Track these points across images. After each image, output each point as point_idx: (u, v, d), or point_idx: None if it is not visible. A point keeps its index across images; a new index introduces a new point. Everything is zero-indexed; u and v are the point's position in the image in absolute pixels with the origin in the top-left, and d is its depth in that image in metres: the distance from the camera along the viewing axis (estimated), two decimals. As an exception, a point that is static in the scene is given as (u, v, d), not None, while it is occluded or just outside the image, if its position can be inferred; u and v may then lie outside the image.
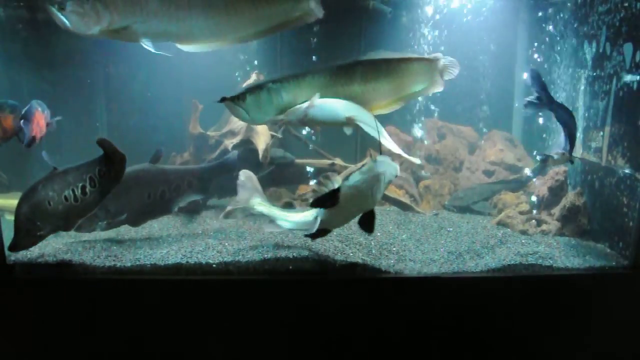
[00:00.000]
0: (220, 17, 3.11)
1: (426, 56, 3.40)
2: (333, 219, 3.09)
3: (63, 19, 2.98)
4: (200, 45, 3.22)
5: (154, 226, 4.09)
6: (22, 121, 3.59)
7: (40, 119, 3.75)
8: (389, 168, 2.81)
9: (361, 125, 3.17)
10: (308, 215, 3.26)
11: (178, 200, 3.82)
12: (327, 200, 2.94)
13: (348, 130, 3.33)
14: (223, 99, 3.11)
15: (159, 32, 3.10)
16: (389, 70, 3.34)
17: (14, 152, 4.58)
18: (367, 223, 2.98)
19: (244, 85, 4.92)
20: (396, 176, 2.91)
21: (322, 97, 3.19)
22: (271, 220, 3.47)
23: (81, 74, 5.26)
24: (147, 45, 3.09)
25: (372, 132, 3.15)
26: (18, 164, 4.83)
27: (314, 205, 3.01)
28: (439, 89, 3.41)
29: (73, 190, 3.14)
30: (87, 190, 3.15)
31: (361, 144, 5.44)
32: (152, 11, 3.04)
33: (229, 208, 3.84)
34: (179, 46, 3.19)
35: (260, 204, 3.56)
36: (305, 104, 3.17)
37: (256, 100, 3.11)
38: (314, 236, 3.14)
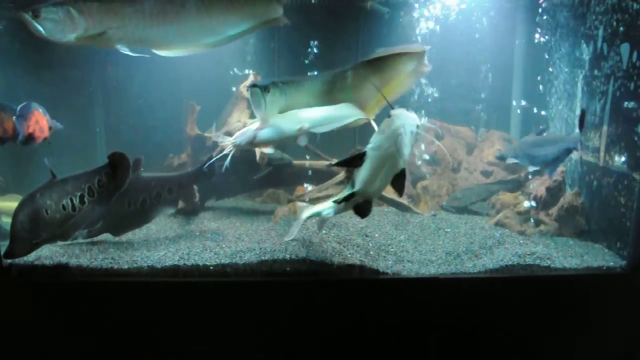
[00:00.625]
0: (193, 22, 3.17)
1: (413, 48, 3.46)
2: (367, 186, 2.98)
3: (37, 26, 2.98)
4: (175, 50, 3.26)
5: (151, 228, 4.08)
6: (15, 118, 3.55)
7: (41, 119, 3.72)
8: (406, 120, 2.71)
9: (316, 130, 3.23)
10: (344, 192, 3.22)
11: (159, 209, 3.77)
12: (352, 161, 2.94)
13: (302, 141, 3.37)
14: (253, 86, 3.17)
15: (135, 38, 3.13)
16: (380, 68, 3.36)
17: (13, 154, 4.58)
18: (399, 184, 2.89)
19: (242, 85, 4.92)
20: (418, 126, 2.78)
21: (318, 103, 3.25)
22: (319, 218, 3.51)
23: (80, 75, 5.25)
24: (124, 50, 3.11)
25: (331, 127, 3.28)
26: (16, 166, 4.82)
27: (340, 164, 3.08)
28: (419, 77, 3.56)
29: (71, 200, 3.13)
30: (86, 199, 3.14)
31: (359, 144, 5.44)
32: (127, 17, 3.06)
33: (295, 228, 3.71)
34: (155, 51, 3.22)
35: (307, 210, 3.58)
36: (254, 126, 3.24)
37: (274, 95, 3.18)
38: (346, 200, 3.09)
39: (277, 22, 3.35)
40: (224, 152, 3.37)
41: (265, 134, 3.22)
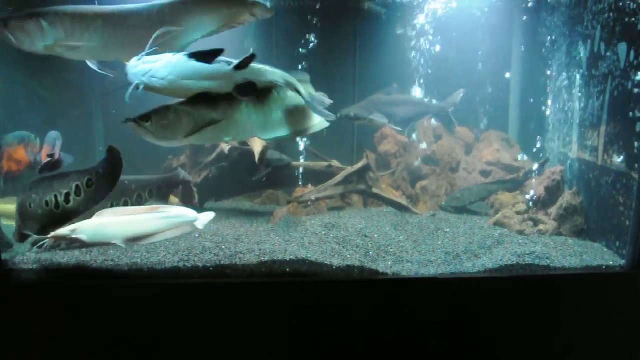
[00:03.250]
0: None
1: None
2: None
3: (8, 35, 3.05)
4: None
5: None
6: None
7: (15, 153, 3.75)
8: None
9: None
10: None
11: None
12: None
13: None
14: (127, 120, 3.04)
15: (106, 50, 3.19)
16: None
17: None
18: None
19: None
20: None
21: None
22: None
23: (78, 76, 5.24)
24: (92, 65, 3.13)
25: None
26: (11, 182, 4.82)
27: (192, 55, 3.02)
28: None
29: (56, 197, 3.07)
30: (71, 198, 3.09)
31: (358, 146, 5.45)
32: (98, 30, 3.08)
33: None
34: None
35: None
36: (71, 227, 3.00)
37: (162, 121, 3.02)
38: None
39: (256, 16, 3.37)
40: None
41: (82, 234, 2.95)
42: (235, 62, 3.13)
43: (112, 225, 2.99)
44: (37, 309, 3.11)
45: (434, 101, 4.89)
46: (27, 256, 3.40)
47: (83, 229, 2.95)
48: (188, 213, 3.10)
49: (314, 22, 5.25)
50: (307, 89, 3.47)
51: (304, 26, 5.26)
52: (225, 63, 3.13)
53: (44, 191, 3.08)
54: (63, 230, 2.96)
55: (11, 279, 3.18)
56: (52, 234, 2.96)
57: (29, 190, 3.09)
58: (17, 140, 3.79)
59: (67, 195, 3.09)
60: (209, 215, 3.17)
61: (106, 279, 3.16)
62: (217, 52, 3.05)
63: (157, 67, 2.99)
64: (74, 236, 2.94)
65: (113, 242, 2.96)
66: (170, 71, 2.99)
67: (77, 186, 3.10)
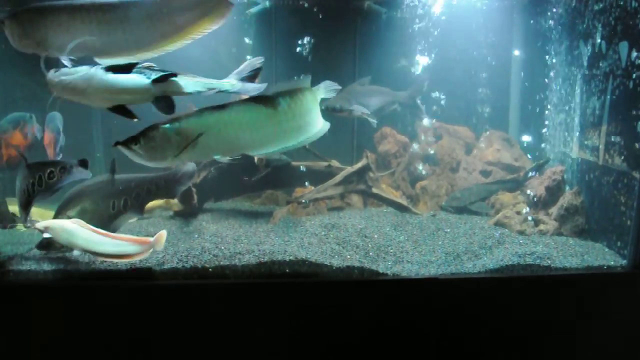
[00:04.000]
0: (139, 32, 3.22)
1: None
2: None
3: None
4: (119, 57, 3.28)
5: (149, 230, 4.07)
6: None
7: (13, 137, 3.73)
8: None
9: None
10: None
11: (139, 208, 3.77)
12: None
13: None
14: (116, 144, 3.07)
15: (77, 47, 3.18)
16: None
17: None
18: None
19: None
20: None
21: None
22: None
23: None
24: (64, 60, 3.16)
25: None
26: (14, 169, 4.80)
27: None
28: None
29: (27, 185, 3.24)
30: (35, 188, 3.26)
31: (357, 146, 5.44)
32: (70, 28, 3.13)
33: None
34: (98, 60, 3.24)
35: None
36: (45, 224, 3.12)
37: (150, 143, 3.04)
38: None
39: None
40: None
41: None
42: (155, 75, 3.13)
43: (78, 234, 3.13)
44: (36, 309, 3.10)
45: (400, 92, 4.91)
46: (25, 257, 3.39)
47: (54, 227, 3.13)
48: (138, 242, 3.17)
49: (314, 22, 5.24)
50: (307, 95, 3.43)
51: (304, 25, 5.25)
52: (145, 76, 3.14)
53: (20, 179, 3.27)
54: (39, 224, 3.15)
55: (10, 280, 3.17)
56: (35, 225, 3.16)
57: (17, 177, 3.28)
58: (12, 124, 3.77)
59: (32, 184, 3.26)
60: (163, 235, 3.18)
61: (105, 280, 3.14)
62: (131, 66, 3.09)
63: (74, 79, 3.05)
64: (44, 234, 3.14)
65: (74, 248, 3.17)
66: (89, 84, 3.04)
67: (39, 177, 3.27)
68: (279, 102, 3.25)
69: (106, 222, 3.61)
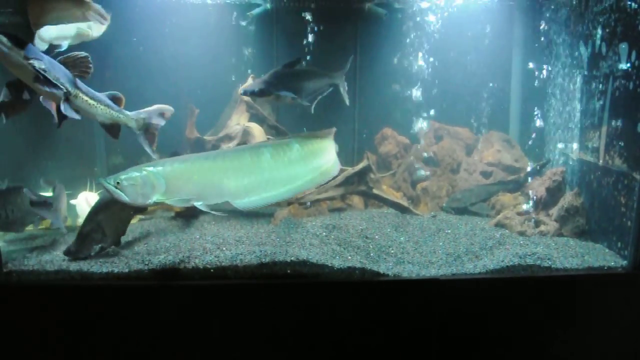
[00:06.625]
0: None
1: None
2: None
3: None
4: None
5: (151, 231, 4.08)
6: None
7: None
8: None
9: None
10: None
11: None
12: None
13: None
14: (99, 181, 3.09)
15: None
16: None
17: (14, 157, 4.58)
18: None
19: (239, 90, 4.89)
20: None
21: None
22: None
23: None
24: None
25: None
26: (16, 169, 4.81)
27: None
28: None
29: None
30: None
31: (358, 147, 5.45)
32: None
33: None
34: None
35: None
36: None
37: (133, 184, 3.03)
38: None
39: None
40: None
41: None
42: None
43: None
44: (37, 310, 3.10)
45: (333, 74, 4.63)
46: (27, 258, 3.40)
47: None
48: None
49: (315, 24, 5.25)
50: (294, 147, 3.37)
51: (305, 28, 5.26)
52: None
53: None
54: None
55: (11, 281, 3.18)
56: None
57: None
58: None
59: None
60: None
61: (106, 281, 3.15)
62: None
63: None
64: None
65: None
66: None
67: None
68: (262, 152, 3.26)
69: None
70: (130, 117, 3.45)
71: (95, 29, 3.79)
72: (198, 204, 3.10)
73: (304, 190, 3.60)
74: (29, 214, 3.87)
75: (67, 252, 3.37)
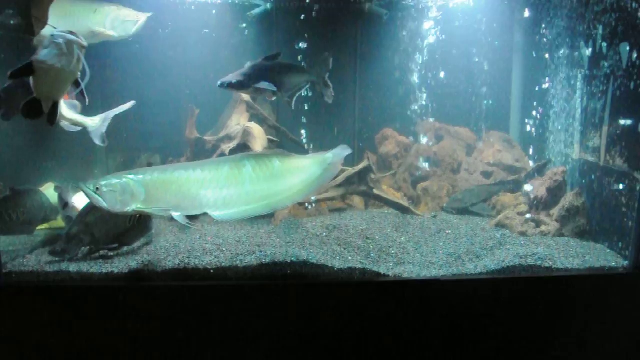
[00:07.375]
0: None
1: None
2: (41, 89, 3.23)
3: None
4: None
5: (151, 232, 4.07)
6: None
7: None
8: (67, 36, 3.03)
9: None
10: None
11: (149, 222, 3.75)
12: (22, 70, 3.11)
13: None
14: (79, 185, 3.07)
15: None
16: None
17: (14, 157, 4.57)
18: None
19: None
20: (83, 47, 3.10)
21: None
22: None
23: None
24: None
25: None
26: (13, 170, 4.81)
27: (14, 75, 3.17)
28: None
29: None
30: None
31: (359, 147, 5.45)
32: None
33: None
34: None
35: None
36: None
37: (112, 190, 3.02)
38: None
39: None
40: None
41: None
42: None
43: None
44: (37, 311, 3.10)
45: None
46: (27, 258, 3.40)
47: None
48: None
49: (315, 24, 5.24)
50: (276, 162, 3.31)
51: (305, 28, 5.26)
52: None
53: None
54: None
55: (11, 281, 3.17)
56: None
57: None
58: None
59: None
60: None
61: (106, 282, 3.15)
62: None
63: None
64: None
65: None
66: None
67: None
68: (244, 164, 3.23)
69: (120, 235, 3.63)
70: None
71: (120, 29, 3.78)
72: (176, 215, 3.08)
73: (283, 207, 3.63)
74: (38, 216, 3.91)
75: (52, 252, 3.35)
